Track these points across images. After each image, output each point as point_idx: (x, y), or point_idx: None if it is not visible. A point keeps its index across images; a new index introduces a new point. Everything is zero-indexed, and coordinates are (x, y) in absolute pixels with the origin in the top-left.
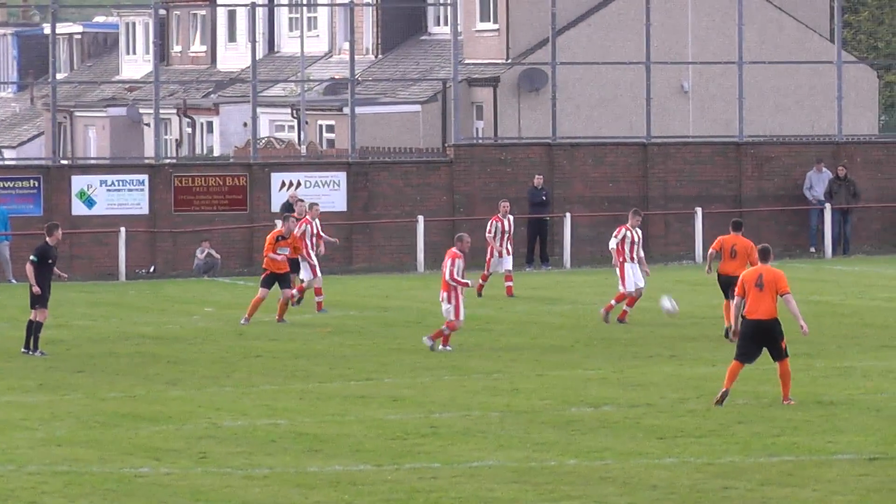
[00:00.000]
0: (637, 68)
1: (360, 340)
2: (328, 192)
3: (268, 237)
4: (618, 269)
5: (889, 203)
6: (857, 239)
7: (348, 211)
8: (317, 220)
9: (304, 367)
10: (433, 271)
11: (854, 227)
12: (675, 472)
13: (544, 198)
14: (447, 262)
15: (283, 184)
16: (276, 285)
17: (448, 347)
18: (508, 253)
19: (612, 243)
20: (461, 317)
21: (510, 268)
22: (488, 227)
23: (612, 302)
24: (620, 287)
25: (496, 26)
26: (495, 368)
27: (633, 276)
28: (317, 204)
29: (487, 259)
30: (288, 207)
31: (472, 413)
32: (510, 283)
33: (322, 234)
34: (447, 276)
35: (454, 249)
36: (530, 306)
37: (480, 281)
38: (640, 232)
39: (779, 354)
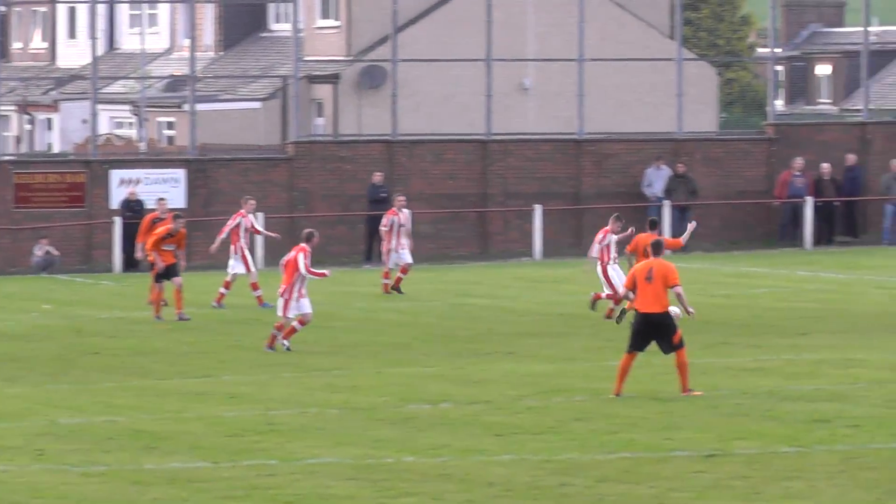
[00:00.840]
0: (478, 65)
1: (199, 337)
2: (168, 189)
3: (152, 235)
4: (601, 272)
5: (728, 200)
6: (695, 236)
7: (188, 208)
8: (251, 215)
9: (143, 365)
10: (272, 268)
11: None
12: (512, 469)
13: (384, 195)
14: (298, 256)
15: (122, 181)
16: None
17: (285, 343)
18: (405, 247)
19: (595, 251)
20: (306, 310)
21: (410, 261)
22: (384, 221)
23: (611, 305)
24: (607, 289)
25: (337, 23)
26: (335, 365)
27: (620, 279)
28: (252, 198)
29: (385, 254)
30: (127, 204)
31: (311, 410)
32: (402, 276)
33: (260, 229)
34: (303, 269)
35: (303, 244)
36: (369, 303)
37: (384, 279)
38: (616, 237)
39: (669, 347)
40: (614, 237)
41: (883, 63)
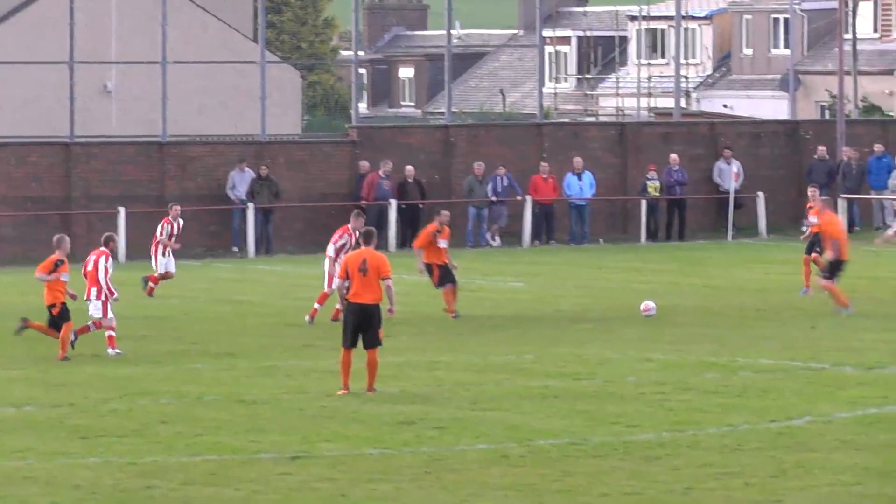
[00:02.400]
0: (61, 68)
1: None
2: None
3: None
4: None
5: (311, 202)
6: (279, 239)
7: None
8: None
9: None
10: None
11: (276, 227)
12: (98, 472)
13: None
14: (98, 260)
15: None
16: None
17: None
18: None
19: (331, 250)
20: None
21: (172, 270)
22: (159, 230)
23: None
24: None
25: None
26: None
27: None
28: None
29: (155, 259)
30: None
31: None
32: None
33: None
34: (102, 275)
35: (102, 248)
36: None
37: (151, 284)
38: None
39: (372, 343)
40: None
41: (465, 66)
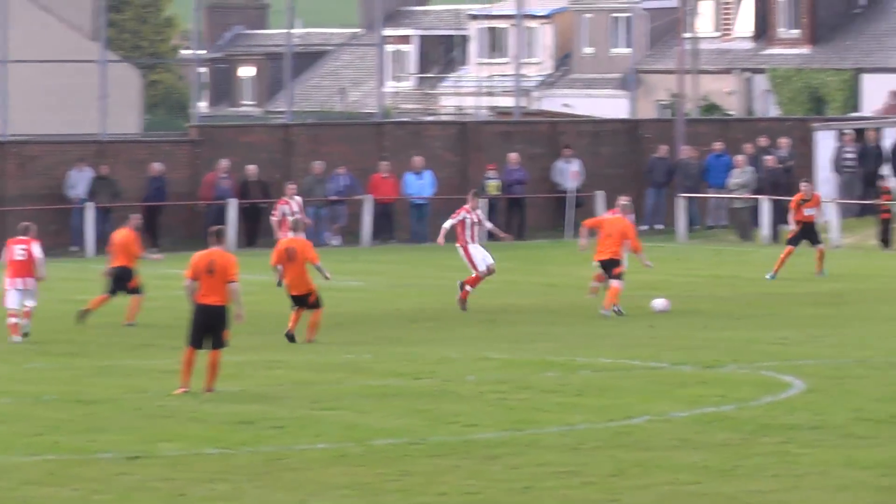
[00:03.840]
0: None
1: None
2: None
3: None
4: (463, 254)
5: (153, 202)
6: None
7: None
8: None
9: None
10: None
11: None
12: None
13: None
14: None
15: None
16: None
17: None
18: None
19: (448, 223)
20: None
21: None
22: None
23: (468, 288)
24: (473, 271)
25: None
26: None
27: (482, 256)
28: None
29: None
30: None
31: None
32: None
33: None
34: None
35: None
36: None
37: None
38: (479, 214)
39: (217, 344)
40: (468, 215)
41: (306, 65)
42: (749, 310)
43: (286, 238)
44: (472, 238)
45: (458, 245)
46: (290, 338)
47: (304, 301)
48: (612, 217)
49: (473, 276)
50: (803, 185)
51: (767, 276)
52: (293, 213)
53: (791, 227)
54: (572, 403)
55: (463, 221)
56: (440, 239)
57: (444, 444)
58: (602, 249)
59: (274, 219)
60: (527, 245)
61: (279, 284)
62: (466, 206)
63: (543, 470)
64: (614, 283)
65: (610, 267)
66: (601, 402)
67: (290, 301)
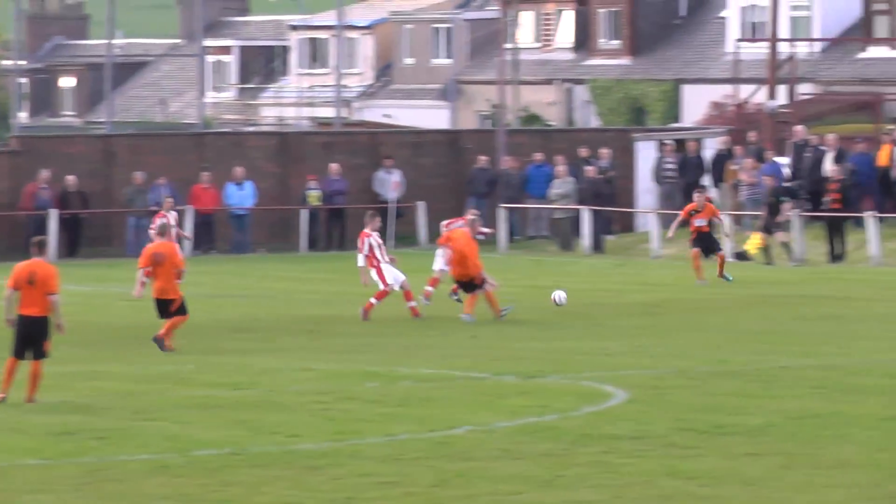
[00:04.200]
0: None
1: None
2: None
3: None
4: (375, 273)
5: None
6: None
7: None
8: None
9: None
10: None
11: None
12: None
13: None
14: None
15: None
16: None
17: None
18: None
19: (361, 260)
20: None
21: None
22: None
23: (373, 300)
24: (381, 285)
25: None
26: None
27: (392, 273)
28: None
29: None
30: None
31: None
32: None
33: None
34: None
35: None
36: None
37: None
38: (378, 236)
39: (38, 354)
40: (372, 240)
41: (127, 75)
42: (570, 320)
43: (154, 243)
44: (383, 257)
45: (369, 267)
46: (159, 343)
47: (168, 306)
48: (461, 233)
49: (381, 289)
50: (695, 195)
51: (697, 283)
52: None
53: (670, 235)
54: (394, 414)
55: (371, 248)
56: (364, 279)
57: (266, 455)
58: (458, 269)
59: (152, 231)
60: (348, 255)
61: (138, 293)
62: (366, 231)
63: (365, 480)
64: (477, 292)
65: (470, 289)
66: (423, 413)
67: (155, 306)
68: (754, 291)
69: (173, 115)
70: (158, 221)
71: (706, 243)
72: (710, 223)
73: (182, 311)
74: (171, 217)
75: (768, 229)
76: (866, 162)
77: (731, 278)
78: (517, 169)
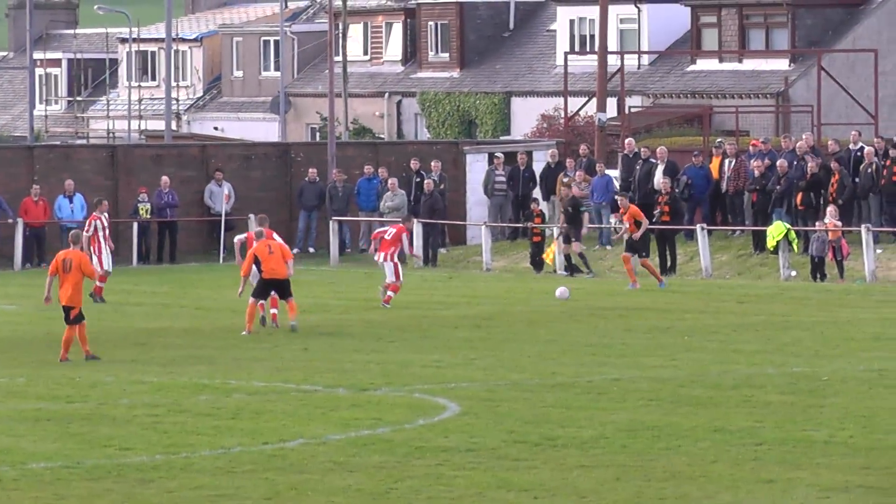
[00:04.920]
0: None
1: None
2: None
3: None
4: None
5: None
6: None
7: None
8: (105, 215)
9: None
10: None
11: None
12: None
13: None
14: None
15: None
16: None
17: None
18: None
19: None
20: None
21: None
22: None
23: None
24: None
25: None
26: None
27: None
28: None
29: None
30: None
31: None
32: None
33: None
34: None
35: None
36: None
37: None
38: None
39: None
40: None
41: None
42: (401, 333)
43: (64, 251)
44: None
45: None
46: (91, 357)
47: (69, 313)
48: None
49: (394, 283)
50: (617, 198)
51: (629, 287)
52: (104, 228)
53: (615, 237)
54: (226, 426)
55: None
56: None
57: (98, 468)
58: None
59: (86, 234)
60: (179, 268)
61: (47, 300)
62: (402, 227)
63: (198, 493)
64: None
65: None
66: (255, 426)
67: (63, 313)
68: (585, 304)
69: (2, 128)
70: (92, 223)
71: (634, 248)
72: (637, 224)
73: (81, 318)
74: (104, 219)
75: (567, 239)
76: (700, 175)
77: (665, 284)
78: (344, 181)
